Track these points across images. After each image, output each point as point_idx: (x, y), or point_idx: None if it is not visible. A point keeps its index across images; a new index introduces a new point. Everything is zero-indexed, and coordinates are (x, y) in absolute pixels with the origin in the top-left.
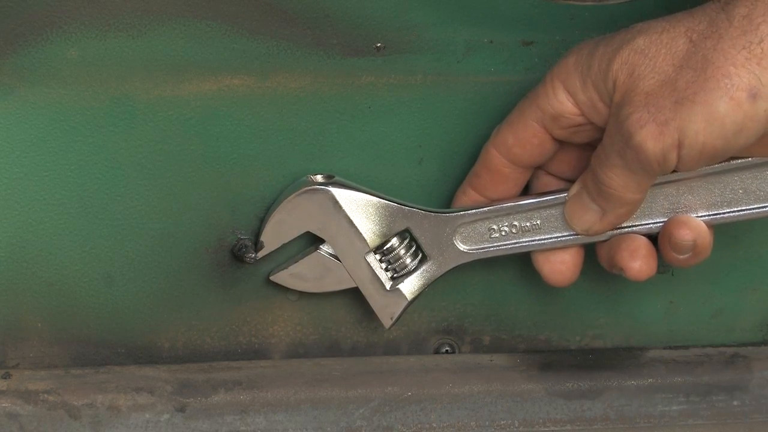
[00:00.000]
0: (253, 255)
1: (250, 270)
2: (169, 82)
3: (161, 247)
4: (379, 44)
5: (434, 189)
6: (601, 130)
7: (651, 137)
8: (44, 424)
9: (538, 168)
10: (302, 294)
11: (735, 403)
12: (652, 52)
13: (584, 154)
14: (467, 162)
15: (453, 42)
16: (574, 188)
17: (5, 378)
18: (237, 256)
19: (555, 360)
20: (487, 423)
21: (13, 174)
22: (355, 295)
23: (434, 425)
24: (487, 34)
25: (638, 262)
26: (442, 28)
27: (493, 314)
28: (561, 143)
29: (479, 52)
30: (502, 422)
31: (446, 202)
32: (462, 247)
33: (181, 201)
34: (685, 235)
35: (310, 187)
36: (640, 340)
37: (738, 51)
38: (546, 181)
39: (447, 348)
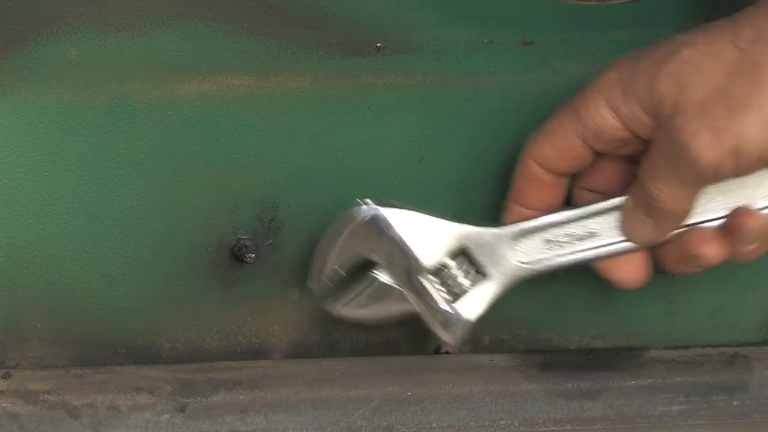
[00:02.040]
0: (253, 255)
1: (250, 270)
2: (169, 82)
3: (161, 247)
4: (379, 44)
5: (434, 189)
6: (645, 143)
7: (707, 147)
8: (44, 424)
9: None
10: (302, 294)
11: (735, 403)
12: (699, 61)
13: (623, 165)
14: (467, 162)
15: (453, 42)
16: (628, 203)
17: (5, 378)
18: (237, 256)
19: (555, 360)
20: (487, 423)
21: (13, 174)
22: None
23: (434, 425)
24: (487, 34)
25: (711, 245)
26: (442, 28)
27: (493, 314)
28: (599, 154)
29: (479, 52)
30: (502, 422)
31: (446, 202)
32: (520, 262)
33: (181, 201)
34: (752, 224)
35: (364, 214)
36: (640, 340)
37: None
38: (586, 194)
39: (447, 348)
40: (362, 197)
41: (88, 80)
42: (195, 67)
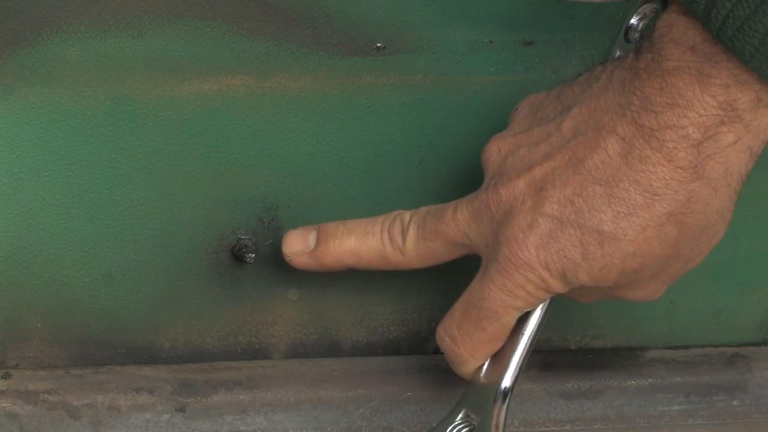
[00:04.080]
0: (253, 255)
1: (250, 270)
2: (169, 82)
3: (161, 247)
4: (379, 44)
5: (434, 189)
6: None
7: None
8: (44, 424)
9: None
10: (302, 294)
11: (735, 403)
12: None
13: None
14: (467, 162)
15: (453, 42)
16: None
17: (5, 378)
18: (237, 256)
19: (555, 360)
20: None
21: (13, 174)
22: (355, 294)
23: (434, 425)
24: (487, 34)
25: None
26: (442, 28)
27: None
28: None
29: (479, 52)
30: None
31: (446, 202)
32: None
33: (181, 201)
34: None
35: None
36: (640, 340)
37: None
38: None
39: None
40: (362, 197)
41: (88, 80)
42: (195, 67)
